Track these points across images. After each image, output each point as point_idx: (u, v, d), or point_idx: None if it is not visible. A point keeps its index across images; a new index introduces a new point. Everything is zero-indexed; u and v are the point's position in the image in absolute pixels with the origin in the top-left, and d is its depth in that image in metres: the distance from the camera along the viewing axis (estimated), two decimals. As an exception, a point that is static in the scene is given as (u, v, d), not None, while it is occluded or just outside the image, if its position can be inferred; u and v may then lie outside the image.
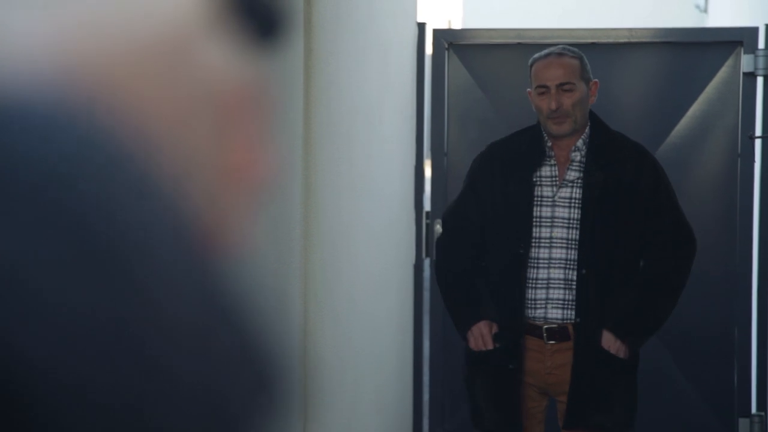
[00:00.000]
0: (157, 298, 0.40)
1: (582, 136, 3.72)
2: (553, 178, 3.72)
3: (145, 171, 0.41)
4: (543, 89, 3.68)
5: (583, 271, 3.62)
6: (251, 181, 0.47)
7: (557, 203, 3.69)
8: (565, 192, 3.69)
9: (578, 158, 3.71)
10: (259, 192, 0.48)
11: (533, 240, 3.69)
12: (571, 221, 3.67)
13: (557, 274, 3.67)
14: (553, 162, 3.73)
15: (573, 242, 3.66)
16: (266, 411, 0.45)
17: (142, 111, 0.42)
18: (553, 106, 3.64)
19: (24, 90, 0.40)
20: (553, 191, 3.71)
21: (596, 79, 3.80)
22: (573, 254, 3.66)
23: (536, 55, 3.78)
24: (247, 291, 0.45)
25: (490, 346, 3.71)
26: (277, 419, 0.45)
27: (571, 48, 3.83)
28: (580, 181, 3.68)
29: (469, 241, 3.78)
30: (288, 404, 0.46)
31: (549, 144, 3.74)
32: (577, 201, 3.67)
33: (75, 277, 0.39)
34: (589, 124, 3.75)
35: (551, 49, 3.79)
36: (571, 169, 3.71)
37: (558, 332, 3.68)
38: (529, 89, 3.80)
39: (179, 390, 0.41)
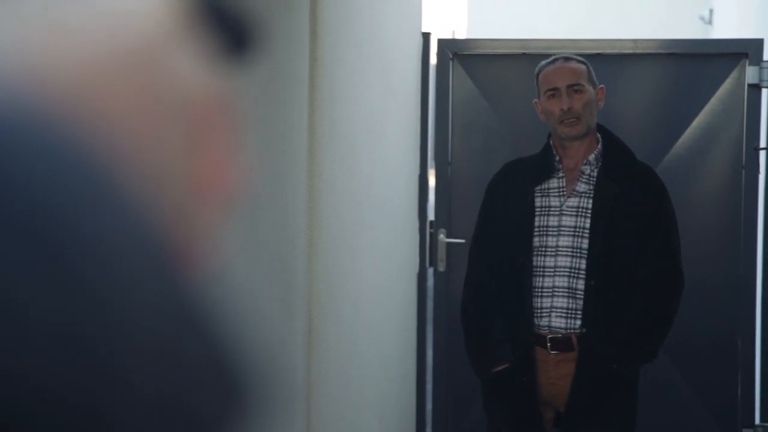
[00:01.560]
0: (123, 311, 0.40)
1: (594, 151, 3.72)
2: (561, 189, 3.72)
3: (113, 182, 0.41)
4: (553, 92, 3.69)
5: (592, 282, 3.62)
6: (221, 192, 0.47)
7: (564, 212, 3.70)
8: (573, 201, 3.70)
9: (588, 171, 3.71)
10: (229, 204, 0.48)
11: (540, 249, 3.70)
12: (578, 229, 3.67)
13: (561, 282, 3.67)
14: (561, 174, 3.74)
15: (578, 251, 3.66)
16: (236, 421, 0.44)
17: (110, 121, 0.42)
18: (565, 106, 3.66)
19: None
20: (560, 201, 3.71)
21: (602, 85, 3.82)
22: (578, 263, 3.66)
23: (542, 63, 3.80)
24: (223, 302, 0.44)
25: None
26: (250, 428, 0.45)
27: (576, 56, 3.85)
28: (590, 192, 3.69)
29: (491, 272, 3.78)
30: (263, 413, 0.46)
31: (557, 158, 3.74)
32: (585, 210, 3.68)
33: (39, 287, 0.38)
34: (600, 139, 3.75)
35: (557, 56, 3.82)
36: (581, 181, 3.71)
37: (562, 342, 3.68)
38: (535, 100, 3.81)
39: (145, 403, 0.40)
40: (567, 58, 3.77)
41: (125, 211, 0.41)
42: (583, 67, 3.75)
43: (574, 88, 3.69)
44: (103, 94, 0.42)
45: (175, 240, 0.44)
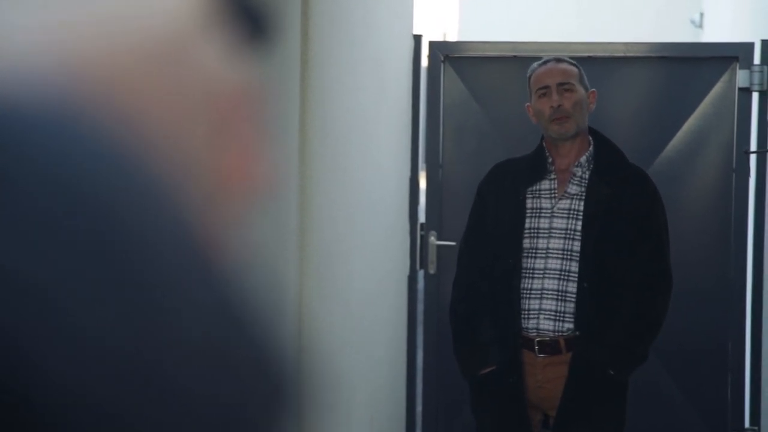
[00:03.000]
0: (165, 302, 0.39)
1: (585, 154, 3.72)
2: (552, 191, 3.72)
3: (145, 174, 0.41)
4: (544, 90, 3.69)
5: (585, 285, 3.62)
6: (249, 183, 0.47)
7: (555, 214, 3.69)
8: (564, 203, 3.69)
9: (580, 173, 3.71)
10: (257, 195, 0.48)
11: (530, 251, 3.69)
12: (569, 232, 3.67)
13: (551, 284, 3.66)
14: (552, 176, 3.73)
15: (569, 253, 3.66)
16: (280, 419, 0.44)
17: (140, 112, 0.42)
18: (555, 103, 3.66)
19: (21, 92, 0.39)
20: (552, 203, 3.71)
21: (594, 89, 3.82)
22: (569, 266, 3.65)
23: (534, 64, 3.80)
24: (250, 297, 0.44)
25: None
26: (291, 424, 0.44)
27: (568, 58, 3.85)
28: (582, 194, 3.68)
29: (481, 274, 3.78)
30: (289, 402, 0.45)
31: (550, 160, 3.74)
32: (576, 213, 3.67)
33: (77, 281, 0.38)
34: (592, 142, 3.75)
35: (549, 56, 3.82)
36: (573, 183, 3.71)
37: (550, 345, 3.67)
38: (527, 104, 3.81)
39: (190, 400, 0.40)
40: (558, 60, 3.77)
41: (162, 203, 0.41)
42: (574, 68, 3.75)
43: (565, 87, 3.69)
44: (133, 86, 0.42)
45: (206, 233, 0.43)
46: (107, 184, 0.39)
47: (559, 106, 3.66)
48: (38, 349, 0.37)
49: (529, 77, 3.79)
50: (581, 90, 3.71)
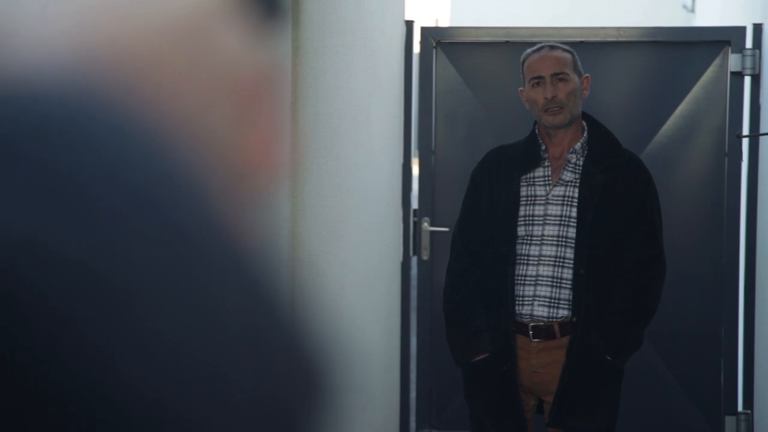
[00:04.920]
0: (207, 291, 0.39)
1: (580, 140, 3.72)
2: (546, 178, 3.72)
3: (173, 158, 0.40)
4: (537, 80, 3.69)
5: (581, 271, 3.62)
6: (272, 164, 0.47)
7: (550, 201, 3.69)
8: (558, 190, 3.70)
9: (574, 160, 3.71)
10: (278, 177, 0.47)
11: (525, 238, 3.69)
12: (563, 218, 3.67)
13: (546, 271, 3.67)
14: (546, 164, 3.73)
15: (564, 240, 3.66)
16: (321, 407, 0.43)
17: (164, 96, 0.42)
18: (549, 94, 3.65)
19: (45, 78, 0.39)
20: (546, 190, 3.71)
21: (588, 74, 3.82)
22: (564, 252, 3.66)
23: (528, 51, 3.79)
24: (275, 280, 0.43)
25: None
26: (331, 414, 0.44)
27: (562, 44, 3.84)
28: (576, 181, 3.69)
29: (475, 261, 3.77)
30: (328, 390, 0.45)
31: (543, 147, 3.74)
32: (571, 199, 3.67)
33: (116, 264, 0.37)
34: (586, 128, 3.75)
35: (543, 44, 3.81)
36: (567, 170, 3.71)
37: (544, 330, 3.68)
38: (521, 88, 3.80)
39: (230, 389, 0.39)
40: (552, 47, 3.76)
41: (190, 190, 0.40)
42: (568, 55, 3.74)
43: (559, 77, 3.68)
44: (155, 70, 0.42)
45: (233, 213, 0.43)
46: (141, 168, 0.39)
47: (553, 97, 3.66)
48: (85, 342, 0.36)
49: (523, 63, 3.78)
50: (575, 78, 3.71)
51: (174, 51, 0.43)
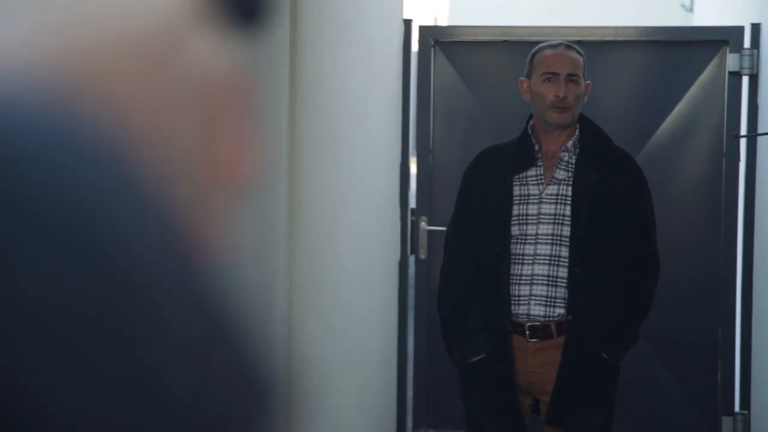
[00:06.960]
0: (147, 300, 0.39)
1: (572, 138, 3.72)
2: (539, 177, 3.72)
3: (131, 169, 0.40)
4: (550, 76, 3.68)
5: (577, 269, 3.62)
6: (239, 176, 0.46)
7: (544, 200, 3.69)
8: (552, 189, 3.70)
9: (567, 158, 3.71)
10: (246, 187, 0.47)
11: (519, 237, 3.69)
12: (558, 217, 3.67)
13: (541, 270, 3.67)
14: (539, 163, 3.73)
15: (558, 238, 3.66)
16: (257, 417, 0.43)
17: (127, 106, 0.41)
18: (561, 93, 3.65)
19: (8, 90, 0.38)
20: (539, 189, 3.71)
21: (590, 81, 3.82)
22: (559, 251, 3.66)
23: (542, 44, 3.78)
24: (235, 292, 0.43)
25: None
26: (266, 423, 0.44)
27: (576, 46, 3.84)
28: (569, 179, 3.68)
29: (469, 260, 3.77)
30: (274, 406, 0.44)
31: (536, 147, 3.73)
32: (564, 198, 3.67)
33: (60, 279, 0.37)
34: (578, 126, 3.75)
35: (560, 41, 3.82)
36: (560, 168, 3.71)
37: (541, 330, 3.67)
38: (522, 78, 3.79)
39: (174, 403, 0.39)
40: (568, 46, 3.76)
41: (148, 199, 0.40)
42: (581, 59, 3.75)
43: (572, 78, 3.69)
44: (121, 81, 0.41)
45: (193, 228, 0.42)
46: (95, 182, 0.39)
47: (565, 97, 3.66)
48: (18, 353, 0.36)
49: (534, 55, 3.76)
50: (583, 83, 3.72)
51: (138, 60, 0.42)
